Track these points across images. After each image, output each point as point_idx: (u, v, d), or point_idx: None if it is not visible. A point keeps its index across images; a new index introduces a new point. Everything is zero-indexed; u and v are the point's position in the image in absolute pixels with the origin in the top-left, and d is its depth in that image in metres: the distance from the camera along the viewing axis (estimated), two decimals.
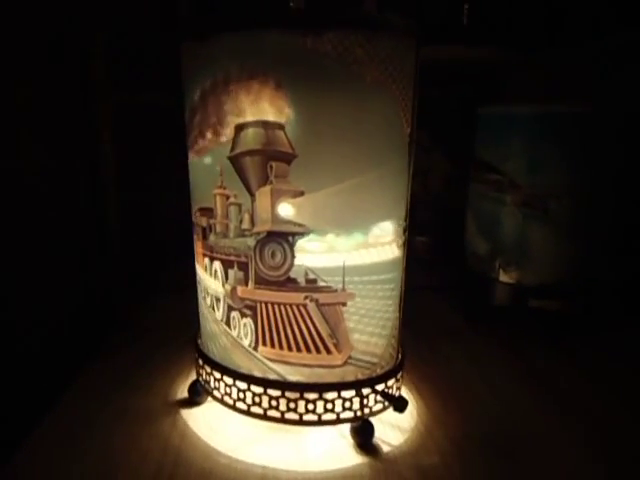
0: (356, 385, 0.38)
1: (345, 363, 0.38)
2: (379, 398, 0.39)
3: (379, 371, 0.39)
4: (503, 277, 0.60)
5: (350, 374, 0.38)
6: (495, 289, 0.61)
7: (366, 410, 0.39)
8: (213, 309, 0.40)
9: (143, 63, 0.93)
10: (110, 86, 0.89)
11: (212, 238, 0.39)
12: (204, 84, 0.36)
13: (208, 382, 0.42)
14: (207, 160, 0.37)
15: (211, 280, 0.40)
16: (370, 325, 0.38)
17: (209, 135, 0.36)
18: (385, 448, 0.39)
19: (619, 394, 0.48)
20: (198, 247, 0.41)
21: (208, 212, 0.39)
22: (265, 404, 0.38)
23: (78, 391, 0.47)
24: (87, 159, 0.87)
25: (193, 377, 0.48)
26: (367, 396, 0.39)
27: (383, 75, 0.34)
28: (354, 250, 0.36)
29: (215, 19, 0.33)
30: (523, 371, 0.52)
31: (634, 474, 0.37)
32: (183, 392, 0.47)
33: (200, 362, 0.42)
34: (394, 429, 0.41)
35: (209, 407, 0.44)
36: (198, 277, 0.43)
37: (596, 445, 0.40)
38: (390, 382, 0.40)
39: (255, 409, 0.38)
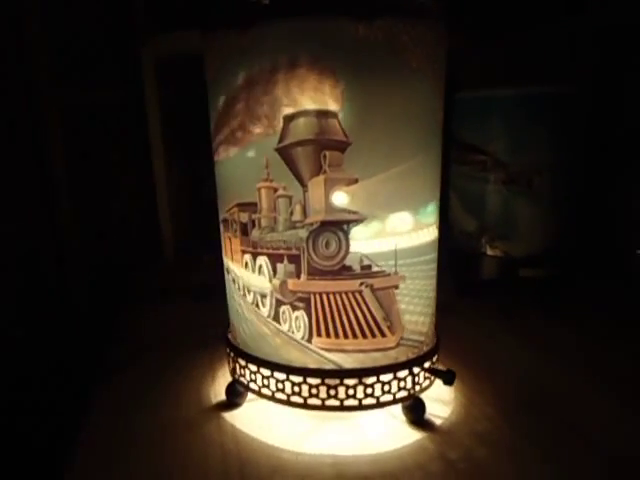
0: (409, 364, 0.39)
1: (398, 344, 0.39)
2: (427, 374, 0.41)
3: (425, 349, 0.41)
4: (491, 251, 0.64)
5: (402, 354, 0.39)
6: (484, 263, 0.65)
7: (417, 387, 0.40)
8: (257, 306, 0.40)
9: (92, 61, 0.87)
10: (55, 85, 0.82)
11: (256, 233, 0.38)
12: (243, 75, 0.34)
13: (254, 381, 0.41)
14: (247, 154, 0.36)
15: (254, 277, 0.39)
16: (419, 305, 0.39)
17: (251, 127, 0.35)
18: (437, 421, 0.41)
19: (618, 342, 0.54)
20: (235, 244, 0.40)
21: (249, 207, 0.38)
22: (323, 394, 0.38)
23: (102, 413, 0.44)
24: (37, 159, 0.81)
25: (221, 380, 0.47)
26: (418, 374, 0.40)
27: (425, 61, 0.35)
28: (405, 233, 0.37)
29: (261, 6, 0.32)
30: (528, 334, 0.56)
31: None
32: (216, 396, 0.45)
33: (242, 362, 0.41)
34: (437, 402, 0.43)
35: (249, 407, 0.43)
36: (233, 275, 0.42)
37: (614, 389, 0.45)
38: (434, 358, 0.42)
39: (312, 401, 0.38)
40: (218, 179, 0.41)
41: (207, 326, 0.47)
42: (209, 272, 0.64)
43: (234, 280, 0.42)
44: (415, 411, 0.40)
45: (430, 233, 0.39)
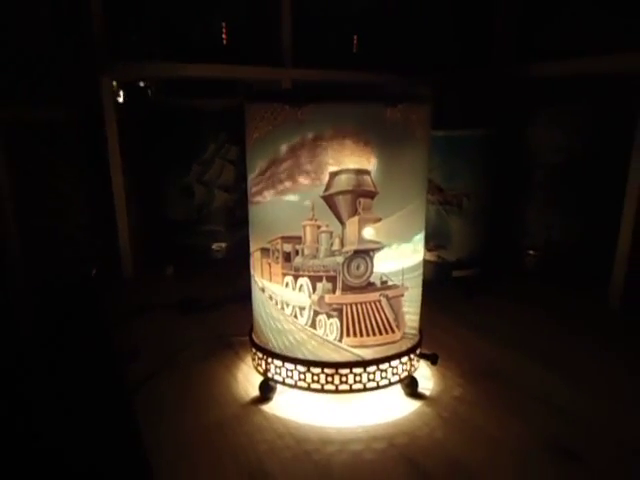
0: (408, 352, 0.52)
1: (402, 337, 0.52)
2: (418, 358, 0.55)
3: (416, 339, 0.54)
4: (430, 257, 0.81)
5: (404, 345, 0.52)
6: (425, 267, 0.81)
7: (413, 368, 0.54)
8: (296, 317, 0.50)
9: (32, 78, 0.86)
10: None
11: (299, 260, 0.48)
12: (295, 139, 0.45)
13: (290, 376, 0.51)
14: (294, 198, 0.46)
15: (294, 293, 0.49)
16: (414, 307, 0.53)
17: (301, 180, 0.45)
18: (426, 392, 0.55)
19: (523, 318, 0.73)
20: (275, 269, 0.50)
21: (293, 239, 0.48)
22: (351, 380, 0.50)
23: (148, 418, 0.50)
24: None
25: (243, 382, 0.56)
26: (413, 358, 0.53)
27: (424, 132, 0.48)
28: (408, 255, 0.50)
29: (319, 92, 0.43)
30: (466, 321, 0.73)
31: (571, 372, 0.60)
32: (248, 394, 0.54)
33: (279, 362, 0.51)
34: (421, 378, 0.57)
35: (282, 399, 0.53)
36: (269, 293, 0.51)
37: (542, 353, 0.63)
38: (422, 345, 0.56)
39: (343, 387, 0.50)
40: (258, 216, 0.50)
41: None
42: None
43: (271, 297, 0.51)
44: (412, 386, 0.54)
45: (421, 254, 0.53)
